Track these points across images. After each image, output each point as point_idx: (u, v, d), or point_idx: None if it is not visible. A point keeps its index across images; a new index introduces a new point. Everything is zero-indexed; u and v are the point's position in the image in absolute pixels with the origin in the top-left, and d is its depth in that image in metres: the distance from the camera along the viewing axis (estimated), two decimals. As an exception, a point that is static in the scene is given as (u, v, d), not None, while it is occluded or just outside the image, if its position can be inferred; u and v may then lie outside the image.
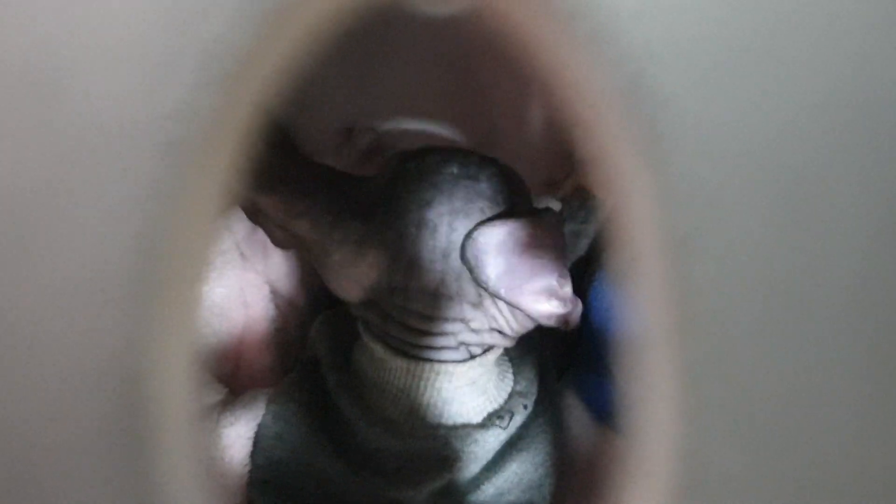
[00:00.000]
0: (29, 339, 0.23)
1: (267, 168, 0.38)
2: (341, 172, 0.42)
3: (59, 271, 0.22)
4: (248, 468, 0.43)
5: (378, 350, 0.42)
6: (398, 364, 0.41)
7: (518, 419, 0.43)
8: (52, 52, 0.22)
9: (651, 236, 0.23)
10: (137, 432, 0.23)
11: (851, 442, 0.23)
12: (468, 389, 0.42)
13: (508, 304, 0.40)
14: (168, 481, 0.23)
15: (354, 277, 0.40)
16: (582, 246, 0.49)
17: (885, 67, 0.22)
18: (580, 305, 0.40)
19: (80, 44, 0.22)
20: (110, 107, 0.22)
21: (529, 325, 0.41)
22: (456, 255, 0.40)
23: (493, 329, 0.41)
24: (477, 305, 0.41)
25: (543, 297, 0.39)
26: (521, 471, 0.43)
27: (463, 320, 0.41)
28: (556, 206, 0.50)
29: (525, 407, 0.43)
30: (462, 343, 0.41)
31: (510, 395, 0.43)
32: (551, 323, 0.40)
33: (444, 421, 0.42)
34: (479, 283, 0.39)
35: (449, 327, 0.41)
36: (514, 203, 0.41)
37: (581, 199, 0.50)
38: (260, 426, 0.43)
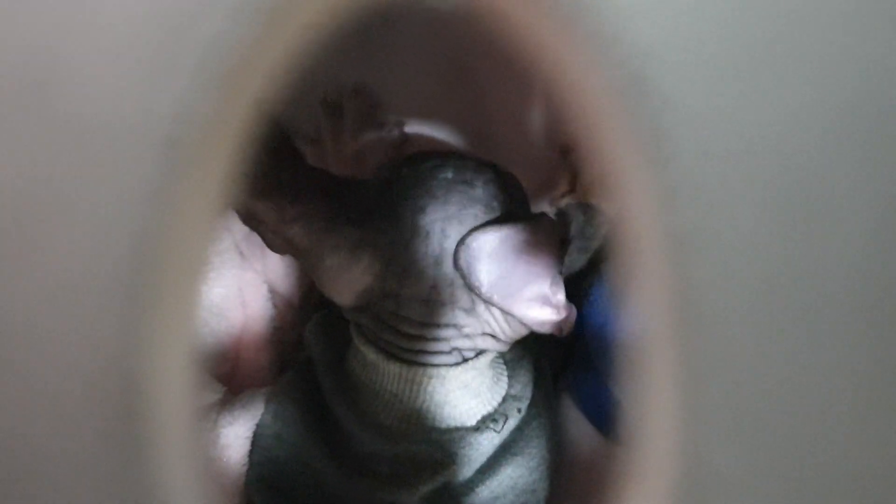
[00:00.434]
0: (26, 338, 0.23)
1: (261, 173, 0.38)
2: (335, 177, 0.42)
3: (57, 271, 0.22)
4: (246, 468, 0.43)
5: (371, 354, 0.42)
6: (391, 368, 0.41)
7: (512, 422, 0.43)
8: (49, 52, 0.22)
9: (652, 236, 0.23)
10: (136, 432, 0.23)
11: (851, 443, 0.23)
12: (461, 393, 0.42)
13: (501, 310, 0.40)
14: (166, 481, 0.23)
15: (347, 283, 0.40)
16: (582, 260, 0.49)
17: (887, 67, 0.21)
18: (574, 312, 0.40)
19: (76, 43, 0.22)
20: (107, 106, 0.22)
21: (523, 331, 0.41)
22: (449, 261, 0.40)
23: (486, 334, 0.41)
24: (470, 311, 0.40)
25: (536, 305, 0.39)
26: (516, 474, 0.43)
27: (456, 326, 0.41)
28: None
29: (519, 410, 0.43)
30: (455, 348, 0.41)
31: (504, 399, 0.43)
32: (545, 330, 0.40)
33: (437, 424, 0.42)
34: (471, 289, 0.39)
35: (442, 333, 0.41)
36: (509, 208, 0.41)
37: (584, 214, 0.50)
38: (259, 425, 0.43)
